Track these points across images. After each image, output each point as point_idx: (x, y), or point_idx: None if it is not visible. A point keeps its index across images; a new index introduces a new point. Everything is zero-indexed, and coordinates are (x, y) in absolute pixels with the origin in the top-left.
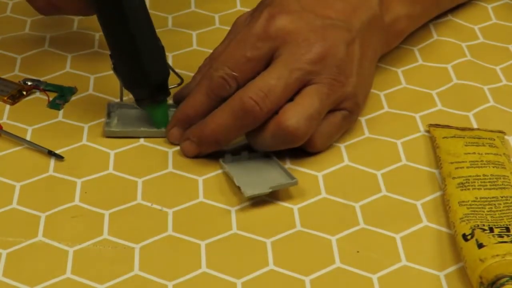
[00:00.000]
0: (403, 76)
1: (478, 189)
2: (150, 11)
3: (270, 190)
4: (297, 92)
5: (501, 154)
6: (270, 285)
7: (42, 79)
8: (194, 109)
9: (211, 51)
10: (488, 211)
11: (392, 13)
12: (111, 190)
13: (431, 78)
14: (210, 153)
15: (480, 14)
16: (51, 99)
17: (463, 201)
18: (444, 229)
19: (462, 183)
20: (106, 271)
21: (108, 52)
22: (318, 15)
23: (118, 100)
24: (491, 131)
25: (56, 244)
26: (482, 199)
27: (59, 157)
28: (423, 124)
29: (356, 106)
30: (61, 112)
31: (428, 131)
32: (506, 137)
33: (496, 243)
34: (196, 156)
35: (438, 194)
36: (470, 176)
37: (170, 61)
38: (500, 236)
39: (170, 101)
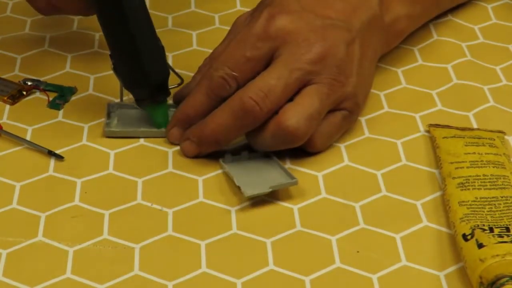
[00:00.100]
0: (403, 76)
1: (478, 189)
2: (150, 11)
3: (270, 189)
4: (297, 92)
5: (501, 154)
6: (270, 285)
7: (42, 79)
8: (194, 109)
9: (211, 51)
10: (488, 211)
11: (392, 13)
12: (111, 190)
13: (431, 78)
14: (210, 153)
15: (480, 14)
16: (51, 99)
17: (463, 201)
18: (444, 229)
19: (462, 183)
20: (106, 271)
21: (108, 52)
22: (318, 15)
23: (118, 100)
24: (491, 131)
25: (56, 244)
26: (482, 199)
27: (59, 157)
28: (423, 124)
29: (356, 106)
30: (61, 112)
31: (428, 131)
32: (506, 137)
33: (496, 243)
34: (196, 156)
35: (438, 194)
36: (470, 176)
37: (170, 61)
38: (500, 236)
39: (170, 101)
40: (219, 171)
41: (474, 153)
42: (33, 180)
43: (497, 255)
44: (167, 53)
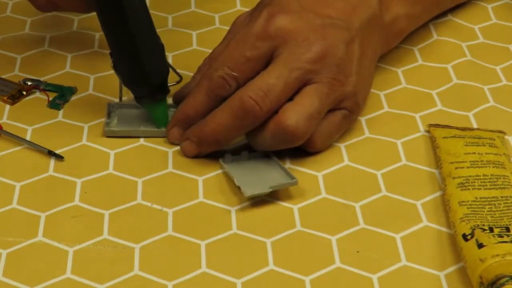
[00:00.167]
0: (403, 76)
1: (478, 189)
2: (150, 11)
3: (270, 190)
4: (297, 91)
5: (501, 154)
6: (270, 285)
7: (42, 79)
8: (194, 109)
9: (211, 51)
10: (488, 211)
11: (392, 13)
12: (111, 190)
13: (431, 78)
14: (210, 153)
15: (480, 14)
16: (51, 99)
17: (463, 201)
18: (444, 229)
19: (462, 183)
20: (106, 271)
21: (108, 51)
22: (318, 15)
23: (118, 100)
24: (491, 131)
25: (56, 244)
26: (482, 199)
27: (59, 157)
28: (423, 124)
29: (356, 105)
30: (61, 112)
31: (428, 131)
32: (506, 137)
33: (496, 243)
34: (196, 156)
35: (438, 194)
36: (470, 176)
37: (170, 61)
38: (500, 236)
39: (170, 101)
40: (219, 171)
41: (474, 153)
42: (33, 180)
43: (497, 255)
44: (167, 53)
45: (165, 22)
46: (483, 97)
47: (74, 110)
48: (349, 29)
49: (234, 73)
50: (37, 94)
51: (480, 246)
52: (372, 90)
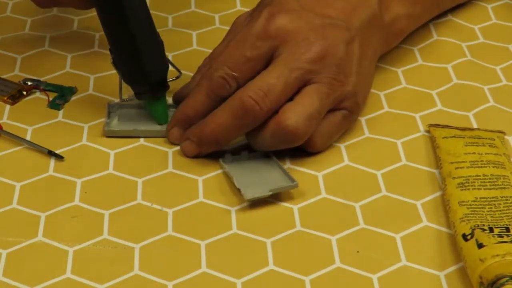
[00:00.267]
0: (403, 76)
1: (478, 189)
2: (150, 11)
3: (270, 193)
4: (297, 91)
5: (501, 154)
6: (270, 285)
7: (42, 79)
8: (194, 109)
9: (211, 51)
10: (488, 211)
11: (391, 13)
12: (111, 190)
13: (431, 78)
14: (210, 153)
15: (480, 14)
16: (51, 99)
17: (463, 201)
18: (444, 229)
19: (462, 183)
20: (106, 271)
21: (108, 51)
22: (318, 14)
23: (118, 100)
24: (491, 131)
25: (56, 244)
26: (482, 199)
27: (59, 157)
28: (423, 124)
29: (356, 105)
30: (61, 112)
31: (428, 131)
32: (506, 137)
33: (496, 243)
34: (196, 156)
35: (438, 194)
36: (470, 176)
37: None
38: (500, 236)
39: (170, 101)
40: (219, 171)
41: (474, 153)
42: (33, 180)
43: (497, 255)
44: (166, 53)
45: (165, 22)
46: (483, 97)
47: (74, 110)
48: (349, 29)
49: (234, 73)
50: (37, 94)
51: (480, 246)
52: (372, 90)
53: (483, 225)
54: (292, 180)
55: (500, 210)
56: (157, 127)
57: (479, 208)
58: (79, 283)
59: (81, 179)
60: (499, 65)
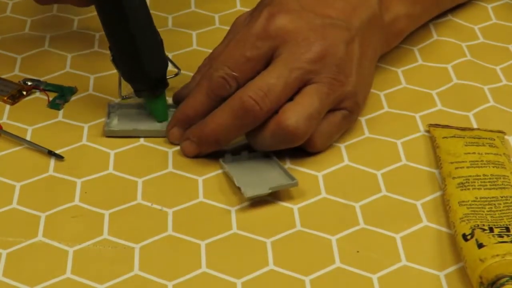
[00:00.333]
0: (403, 76)
1: (478, 189)
2: (150, 11)
3: (270, 191)
4: (297, 91)
5: (501, 154)
6: (270, 285)
7: (42, 79)
8: (194, 109)
9: (211, 51)
10: (488, 211)
11: (391, 13)
12: (111, 190)
13: (431, 78)
14: (210, 153)
15: (480, 14)
16: (51, 99)
17: (463, 201)
18: (444, 229)
19: (462, 183)
20: (106, 271)
21: (108, 52)
22: (318, 14)
23: (117, 99)
24: (491, 131)
25: (56, 244)
26: (482, 199)
27: (59, 157)
28: (423, 124)
29: (356, 105)
30: (61, 112)
31: (428, 131)
32: (506, 137)
33: (496, 243)
34: (196, 156)
35: (438, 194)
36: (470, 176)
37: None
38: (500, 236)
39: (169, 101)
40: (219, 171)
41: (474, 153)
42: (33, 180)
43: (497, 255)
44: (166, 53)
45: (165, 22)
46: (483, 97)
47: (74, 110)
48: (349, 29)
49: (234, 73)
50: (37, 94)
51: (480, 246)
52: (372, 90)
53: (483, 225)
54: (292, 178)
55: (500, 210)
56: (157, 127)
57: (479, 208)
58: (79, 283)
59: (81, 179)
60: (499, 65)
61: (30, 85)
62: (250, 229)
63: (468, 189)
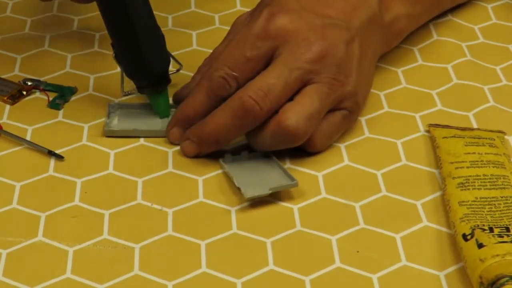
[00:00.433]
0: (403, 76)
1: (478, 189)
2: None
3: (270, 191)
4: (297, 91)
5: (501, 154)
6: (270, 285)
7: (42, 79)
8: (194, 109)
9: (211, 51)
10: (488, 211)
11: (391, 13)
12: (111, 190)
13: (431, 78)
14: (210, 153)
15: (480, 14)
16: (51, 99)
17: (463, 201)
18: (444, 229)
19: (462, 183)
20: (106, 271)
21: (108, 52)
22: (318, 14)
23: (118, 100)
24: (491, 131)
25: (56, 244)
26: (482, 199)
27: (59, 157)
28: (423, 124)
29: (356, 105)
30: (61, 112)
31: (428, 131)
32: (506, 137)
33: (496, 243)
34: (196, 156)
35: (438, 194)
36: (470, 176)
37: None
38: (500, 236)
39: (170, 100)
40: (219, 171)
41: (474, 153)
42: (33, 180)
43: (497, 255)
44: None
45: (165, 22)
46: (483, 97)
47: (74, 110)
48: (349, 29)
49: (234, 73)
50: (37, 94)
51: (480, 246)
52: (372, 90)
53: (483, 225)
54: (292, 179)
55: (500, 210)
56: (157, 127)
57: (479, 208)
58: (79, 283)
59: (81, 179)
60: (499, 65)
61: (30, 85)
62: (250, 229)
63: (468, 189)
